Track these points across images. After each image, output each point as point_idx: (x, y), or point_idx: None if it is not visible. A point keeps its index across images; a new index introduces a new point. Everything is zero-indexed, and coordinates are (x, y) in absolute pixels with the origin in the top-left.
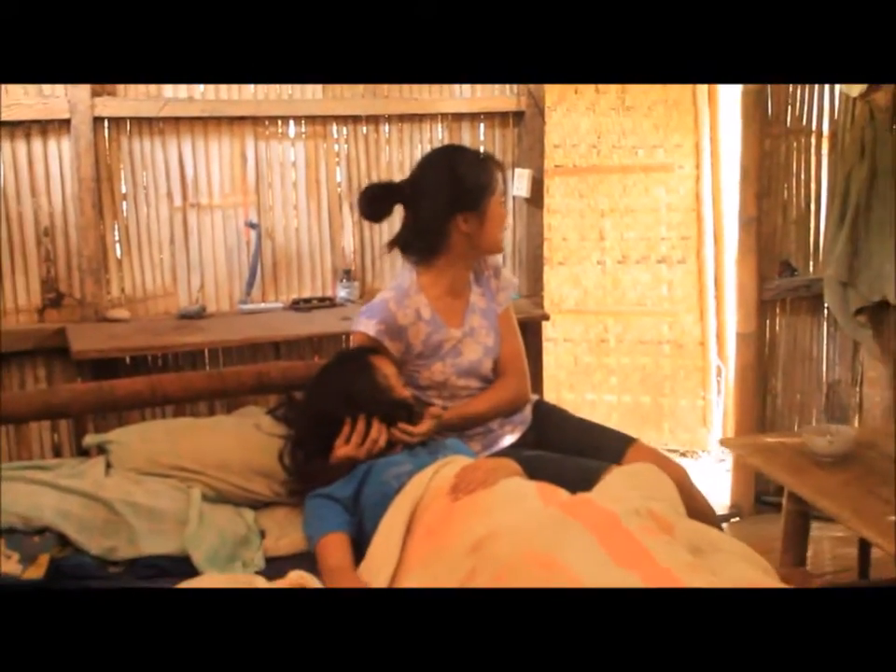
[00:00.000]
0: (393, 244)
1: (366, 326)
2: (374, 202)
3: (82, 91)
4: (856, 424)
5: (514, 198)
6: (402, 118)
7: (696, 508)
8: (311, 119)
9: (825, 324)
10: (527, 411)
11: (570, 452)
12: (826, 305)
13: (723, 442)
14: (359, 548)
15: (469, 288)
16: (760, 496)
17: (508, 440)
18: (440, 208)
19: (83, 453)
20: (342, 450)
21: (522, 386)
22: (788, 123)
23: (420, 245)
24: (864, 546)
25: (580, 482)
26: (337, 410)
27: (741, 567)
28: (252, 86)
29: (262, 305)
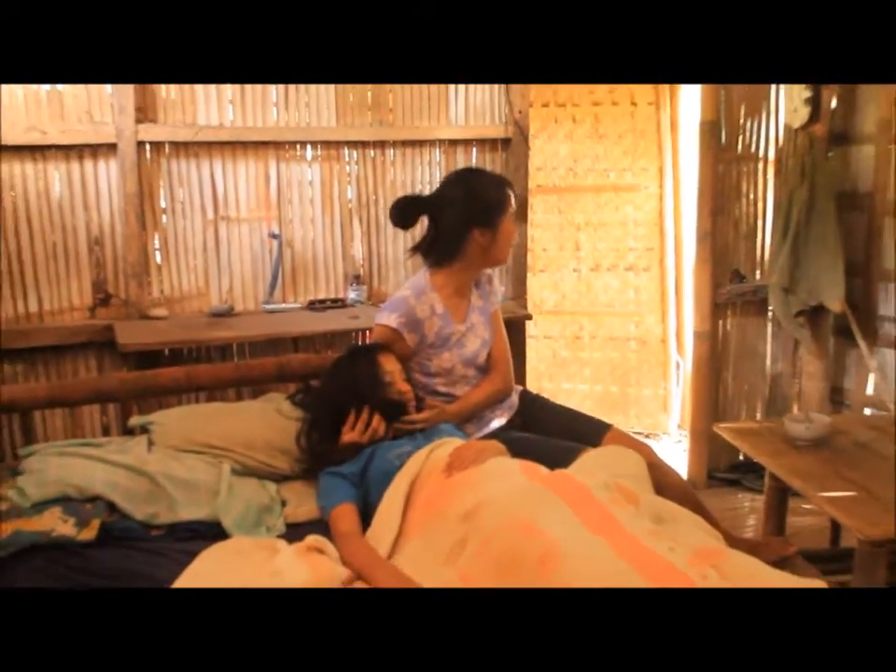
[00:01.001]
0: (416, 249)
1: (388, 319)
2: (405, 211)
3: (127, 118)
4: (795, 411)
5: None
6: (405, 143)
7: (669, 481)
8: (325, 144)
9: (769, 324)
10: (514, 398)
11: (555, 436)
12: (770, 308)
13: (716, 428)
14: (365, 518)
15: (470, 290)
16: (711, 472)
17: (497, 423)
18: (460, 221)
19: (128, 432)
20: (347, 436)
21: (507, 378)
22: (738, 150)
23: (440, 251)
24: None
25: (558, 460)
26: (345, 400)
27: (697, 534)
28: (275, 114)
29: (283, 305)
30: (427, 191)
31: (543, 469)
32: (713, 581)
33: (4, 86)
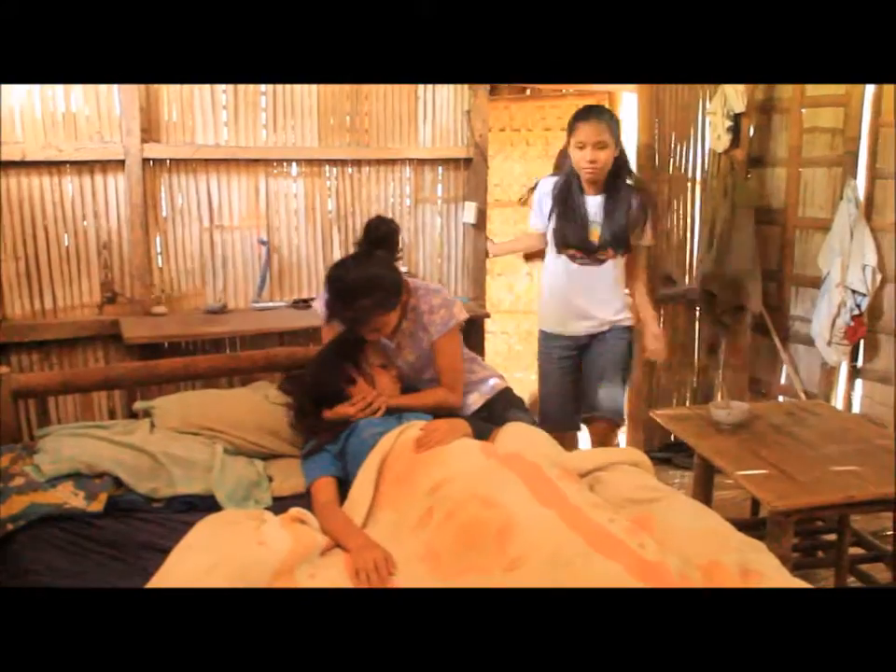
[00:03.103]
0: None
1: (320, 315)
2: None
3: (134, 138)
4: (718, 398)
5: (464, 224)
6: (379, 161)
7: None
8: (309, 162)
9: (697, 323)
10: (496, 386)
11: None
12: (697, 308)
13: (652, 414)
14: (345, 492)
15: (405, 316)
16: (647, 451)
17: (473, 407)
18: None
19: (133, 416)
20: (342, 409)
21: (448, 396)
22: (670, 171)
23: None
24: None
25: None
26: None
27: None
28: (264, 135)
29: (270, 304)
30: (397, 204)
31: (500, 450)
32: (650, 549)
33: (23, 107)
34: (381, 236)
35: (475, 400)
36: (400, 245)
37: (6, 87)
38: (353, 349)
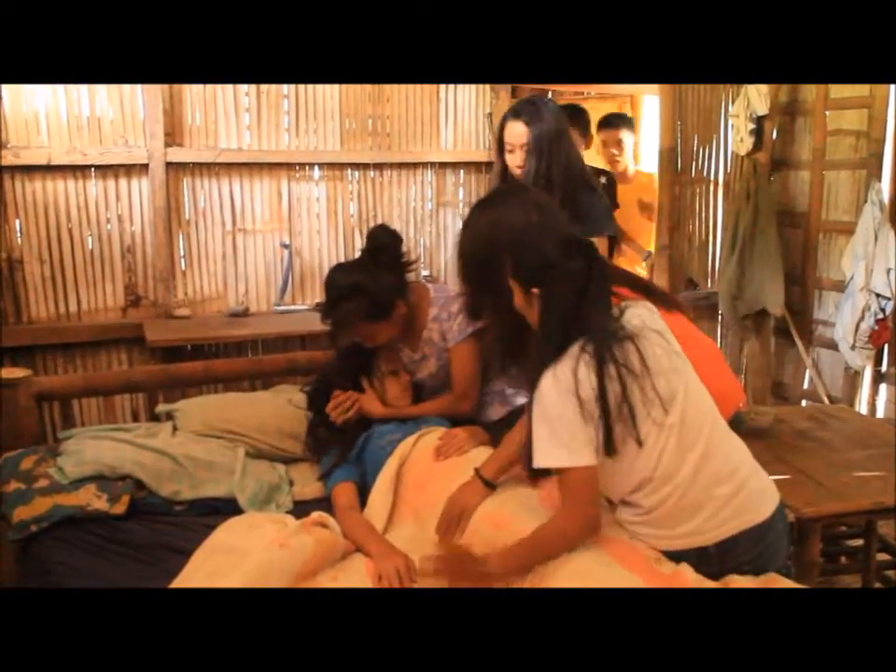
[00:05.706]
0: None
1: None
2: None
3: (158, 142)
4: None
5: None
6: (401, 165)
7: None
8: (331, 166)
9: (719, 326)
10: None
11: None
12: (720, 312)
13: None
14: (364, 498)
15: (425, 326)
16: None
17: (520, 400)
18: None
19: (155, 418)
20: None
21: (455, 404)
22: (693, 174)
23: None
24: None
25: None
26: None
27: None
28: (287, 139)
29: (292, 307)
30: (419, 208)
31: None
32: (665, 561)
33: (49, 111)
34: (379, 245)
35: (497, 411)
36: (405, 255)
37: (32, 91)
38: (362, 356)
